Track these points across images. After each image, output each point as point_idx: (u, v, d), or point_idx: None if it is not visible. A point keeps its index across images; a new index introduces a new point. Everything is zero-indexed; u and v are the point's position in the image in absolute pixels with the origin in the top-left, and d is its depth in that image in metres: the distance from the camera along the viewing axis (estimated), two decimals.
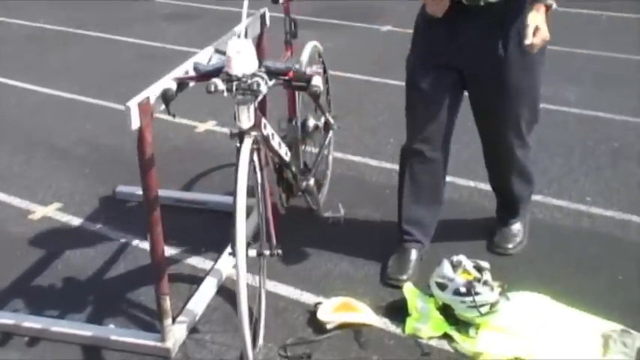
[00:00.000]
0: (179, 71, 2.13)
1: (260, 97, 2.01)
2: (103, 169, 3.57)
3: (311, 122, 2.94)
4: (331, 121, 3.02)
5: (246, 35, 2.56)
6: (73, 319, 2.45)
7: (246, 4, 2.08)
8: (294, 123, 2.66)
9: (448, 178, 2.92)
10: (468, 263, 2.38)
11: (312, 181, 2.72)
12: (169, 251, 2.85)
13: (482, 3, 2.30)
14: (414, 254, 2.67)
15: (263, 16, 2.71)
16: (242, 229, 1.92)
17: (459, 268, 2.37)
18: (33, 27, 6.49)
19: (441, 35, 2.42)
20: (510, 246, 2.80)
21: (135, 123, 1.90)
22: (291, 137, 2.63)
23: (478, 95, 2.54)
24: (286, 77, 2.03)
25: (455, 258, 2.39)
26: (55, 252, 2.87)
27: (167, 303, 2.20)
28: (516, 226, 2.85)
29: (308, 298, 2.53)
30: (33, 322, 2.39)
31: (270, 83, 1.99)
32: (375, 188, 3.34)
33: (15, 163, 3.71)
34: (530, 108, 2.55)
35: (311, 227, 2.93)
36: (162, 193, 3.19)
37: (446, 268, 2.35)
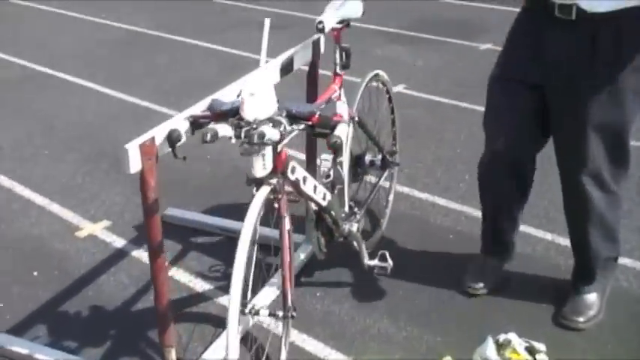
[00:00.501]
0: (199, 107, 1.94)
1: (285, 141, 1.79)
2: (159, 187, 3.46)
3: (366, 158, 2.70)
4: (390, 158, 2.76)
5: (290, 68, 2.36)
6: (89, 354, 2.33)
7: (266, 36, 1.84)
8: (337, 162, 2.41)
9: (521, 228, 2.65)
10: (518, 343, 2.05)
11: (355, 227, 2.46)
12: (203, 286, 2.69)
13: (573, 17, 2.05)
14: (495, 261, 2.63)
15: (316, 43, 2.48)
16: (238, 287, 1.70)
17: (507, 348, 2.05)
18: (129, 30, 6.58)
19: (525, 47, 2.21)
20: (581, 319, 2.41)
21: (134, 166, 1.72)
22: (334, 178, 2.38)
23: (556, 124, 2.25)
24: (309, 123, 1.80)
25: (502, 336, 2.07)
26: (91, 276, 2.78)
27: (172, 355, 2.03)
28: (592, 296, 2.46)
29: (336, 358, 2.28)
30: (46, 356, 2.28)
31: (291, 128, 1.76)
32: (439, 232, 3.03)
33: (78, 173, 3.68)
34: (615, 149, 2.20)
35: (355, 274, 2.68)
36: (208, 219, 3.10)
37: (489, 348, 2.03)
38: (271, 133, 1.68)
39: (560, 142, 2.28)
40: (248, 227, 1.74)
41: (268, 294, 2.45)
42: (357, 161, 2.69)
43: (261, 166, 1.79)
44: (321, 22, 2.16)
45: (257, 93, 1.71)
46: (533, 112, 2.27)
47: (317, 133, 1.79)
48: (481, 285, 2.57)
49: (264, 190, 1.83)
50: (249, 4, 7.39)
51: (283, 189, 1.91)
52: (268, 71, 2.02)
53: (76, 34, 6.50)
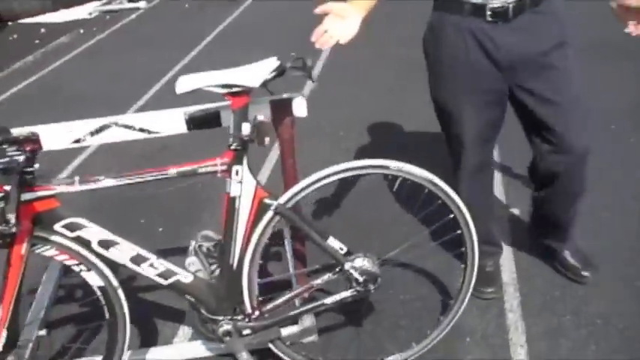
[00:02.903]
0: None
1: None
2: None
3: (349, 265, 2.07)
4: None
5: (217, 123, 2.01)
6: None
7: None
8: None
9: None
10: None
11: (227, 328, 2.00)
12: None
13: (510, 16, 2.08)
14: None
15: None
16: None
17: None
18: None
19: (473, 57, 2.14)
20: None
21: None
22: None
23: (524, 108, 2.24)
24: None
25: None
26: None
27: None
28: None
29: None
30: None
31: None
32: None
33: None
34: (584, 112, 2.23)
35: None
36: None
37: None
38: None
39: (533, 121, 2.24)
40: None
41: None
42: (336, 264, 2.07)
43: None
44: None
45: None
46: (500, 114, 2.29)
47: None
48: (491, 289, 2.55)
49: None
50: None
51: (21, 240, 1.80)
52: None
53: None
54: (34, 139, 1.87)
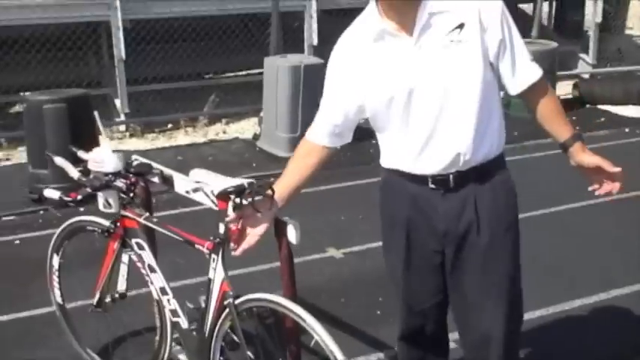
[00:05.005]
0: None
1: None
2: None
3: None
4: None
5: None
6: None
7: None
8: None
9: None
10: None
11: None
12: None
13: (451, 186, 2.06)
14: None
15: None
16: None
17: None
18: None
19: (416, 221, 2.13)
20: None
21: None
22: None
23: (454, 287, 2.20)
24: None
25: None
26: None
27: None
28: None
29: None
30: None
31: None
32: None
33: None
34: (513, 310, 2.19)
35: None
36: None
37: None
38: None
39: (458, 303, 2.20)
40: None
41: None
42: None
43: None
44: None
45: None
46: (443, 283, 2.21)
47: None
48: None
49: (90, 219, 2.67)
50: None
51: (115, 238, 2.60)
52: None
53: None
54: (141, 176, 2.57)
